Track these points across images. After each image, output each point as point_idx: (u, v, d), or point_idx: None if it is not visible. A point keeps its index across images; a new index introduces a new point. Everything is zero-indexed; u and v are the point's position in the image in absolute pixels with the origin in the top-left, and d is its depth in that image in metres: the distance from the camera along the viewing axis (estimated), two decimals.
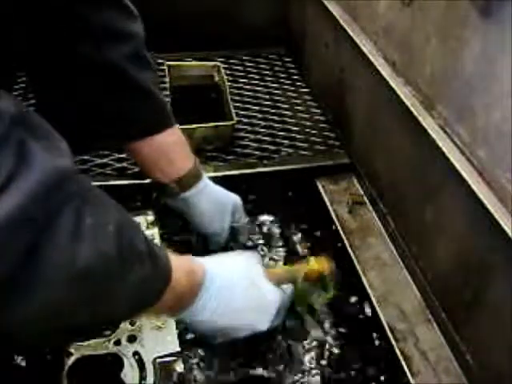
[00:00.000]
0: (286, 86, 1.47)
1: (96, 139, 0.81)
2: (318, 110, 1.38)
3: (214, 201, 0.89)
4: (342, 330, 0.90)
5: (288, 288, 0.78)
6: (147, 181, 0.90)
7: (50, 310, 0.43)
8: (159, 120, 0.82)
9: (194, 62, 1.46)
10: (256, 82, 1.47)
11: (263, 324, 0.71)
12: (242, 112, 1.34)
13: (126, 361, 0.81)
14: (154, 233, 0.97)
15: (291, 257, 1.01)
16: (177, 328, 0.85)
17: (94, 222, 0.42)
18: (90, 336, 0.76)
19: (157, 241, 0.95)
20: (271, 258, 1.01)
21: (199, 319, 0.65)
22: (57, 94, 0.74)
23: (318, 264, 0.81)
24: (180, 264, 0.60)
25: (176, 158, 0.84)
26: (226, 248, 0.95)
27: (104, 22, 0.70)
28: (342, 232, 1.06)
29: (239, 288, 0.68)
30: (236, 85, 1.44)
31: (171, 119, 0.85)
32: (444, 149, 0.81)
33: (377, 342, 0.89)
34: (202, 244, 0.97)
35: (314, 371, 0.84)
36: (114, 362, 0.81)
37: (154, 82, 0.80)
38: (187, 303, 0.63)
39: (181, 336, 0.83)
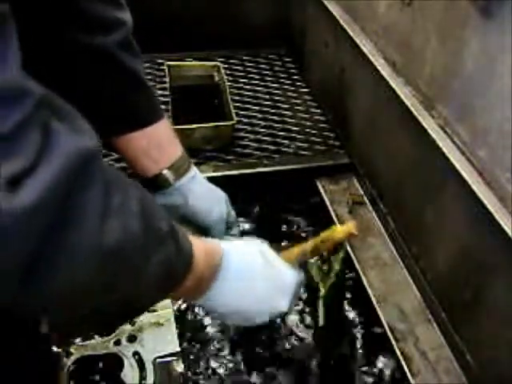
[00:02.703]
0: (285, 86, 1.47)
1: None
2: (318, 110, 1.38)
3: (208, 187, 0.88)
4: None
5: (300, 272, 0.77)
6: None
7: (79, 290, 0.43)
8: (155, 110, 0.82)
9: (194, 62, 1.46)
10: (256, 81, 1.47)
11: (284, 304, 0.70)
12: (242, 112, 1.34)
13: (126, 361, 0.81)
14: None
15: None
16: (177, 328, 0.85)
17: (120, 202, 0.43)
18: (115, 323, 0.75)
19: None
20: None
21: (219, 302, 0.65)
22: (51, 84, 0.74)
23: (344, 227, 0.79)
24: (198, 245, 0.59)
25: (166, 146, 0.82)
26: None
27: (93, 10, 0.70)
28: None
29: (257, 269, 0.68)
30: (236, 85, 1.44)
31: (162, 109, 0.84)
32: (444, 149, 0.81)
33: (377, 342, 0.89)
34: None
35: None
36: (114, 362, 0.81)
37: (144, 72, 0.80)
38: (207, 285, 0.63)
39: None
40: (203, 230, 0.89)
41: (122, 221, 0.42)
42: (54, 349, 0.82)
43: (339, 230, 0.78)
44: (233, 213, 0.92)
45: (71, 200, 0.38)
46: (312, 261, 0.81)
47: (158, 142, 0.80)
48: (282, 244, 0.89)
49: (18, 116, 0.34)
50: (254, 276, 0.67)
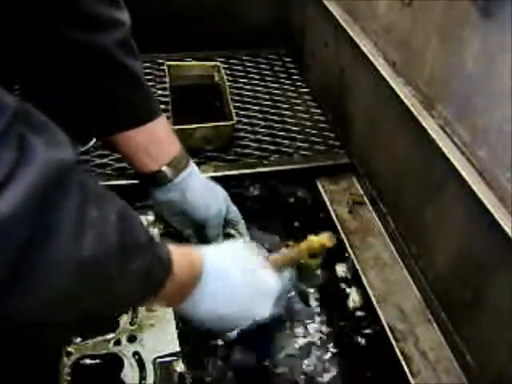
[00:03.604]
0: (286, 86, 1.47)
1: (92, 129, 0.80)
2: (318, 110, 1.38)
3: (206, 183, 0.88)
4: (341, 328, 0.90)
5: (287, 274, 0.77)
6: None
7: (55, 301, 0.43)
8: (152, 107, 0.82)
9: (194, 62, 1.46)
10: (256, 81, 1.47)
11: (264, 310, 0.71)
12: (242, 112, 1.34)
13: (126, 361, 0.81)
14: (153, 233, 0.97)
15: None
16: (177, 328, 0.85)
17: (97, 213, 0.43)
18: (98, 327, 0.77)
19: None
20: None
21: (199, 309, 0.65)
22: (49, 83, 0.74)
23: (319, 239, 0.80)
24: (179, 254, 0.60)
25: (165, 143, 0.83)
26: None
27: (91, 9, 0.70)
28: (342, 232, 1.06)
29: (238, 276, 0.68)
30: (236, 85, 1.44)
31: (159, 106, 0.84)
32: (444, 149, 0.81)
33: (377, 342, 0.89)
34: (200, 236, 0.95)
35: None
36: (114, 362, 0.81)
37: (142, 71, 0.80)
38: (187, 293, 0.63)
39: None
40: (201, 226, 0.90)
41: (97, 233, 0.43)
42: (54, 349, 0.82)
43: (315, 241, 0.79)
44: (234, 209, 0.92)
45: (47, 212, 0.38)
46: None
47: (157, 139, 0.81)
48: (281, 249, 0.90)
49: None
50: (235, 282, 0.68)
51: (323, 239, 0.79)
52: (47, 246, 0.38)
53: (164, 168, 0.81)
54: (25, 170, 0.36)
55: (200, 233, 0.92)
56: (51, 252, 0.39)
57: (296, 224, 1.09)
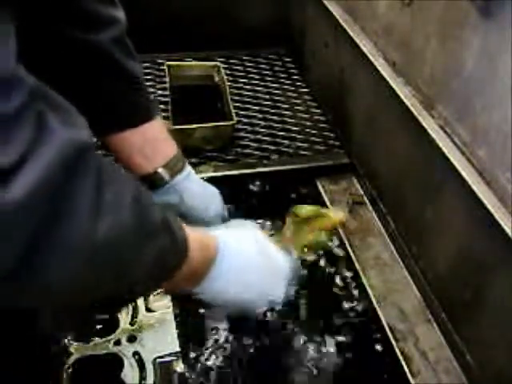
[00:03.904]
0: (286, 86, 1.47)
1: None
2: (318, 110, 1.38)
3: (203, 184, 0.88)
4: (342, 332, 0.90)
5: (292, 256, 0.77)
6: None
7: (73, 283, 0.43)
8: (149, 108, 0.81)
9: (194, 62, 1.46)
10: (256, 81, 1.47)
11: (278, 292, 0.71)
12: (242, 112, 1.34)
13: (126, 361, 0.81)
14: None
15: None
16: (177, 328, 0.85)
17: (113, 195, 0.42)
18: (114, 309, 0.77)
19: None
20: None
21: (214, 291, 0.65)
22: (45, 82, 0.74)
23: (335, 215, 0.79)
24: (194, 236, 0.60)
25: (161, 144, 0.81)
26: None
27: (86, 6, 0.69)
28: (342, 232, 1.07)
29: (253, 258, 0.68)
30: (236, 85, 1.44)
31: (156, 107, 0.84)
32: (444, 149, 0.81)
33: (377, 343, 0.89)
34: None
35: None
36: (114, 362, 0.81)
37: (139, 70, 0.79)
38: (202, 275, 0.63)
39: None
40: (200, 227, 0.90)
41: (113, 214, 0.42)
42: (53, 349, 0.82)
43: (332, 220, 0.78)
44: (225, 207, 0.93)
45: (63, 193, 0.37)
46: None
47: (153, 140, 0.80)
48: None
49: (16, 103, 0.34)
50: (250, 265, 0.68)
51: (339, 215, 0.77)
52: (63, 228, 0.38)
53: (160, 170, 0.80)
54: (43, 149, 0.35)
55: None
56: (67, 234, 0.38)
57: None
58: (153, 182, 0.81)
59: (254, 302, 0.70)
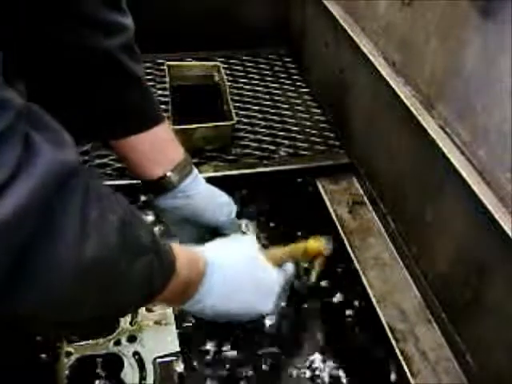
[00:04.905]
0: (286, 86, 1.47)
1: (96, 133, 0.80)
2: (318, 110, 1.38)
3: (210, 188, 0.88)
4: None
5: (289, 267, 0.77)
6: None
7: (58, 304, 0.43)
8: (156, 113, 0.81)
9: (194, 62, 1.46)
10: (256, 82, 1.47)
11: (268, 305, 0.71)
12: (242, 112, 1.34)
13: (126, 361, 0.82)
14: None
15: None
16: (177, 328, 0.85)
17: (99, 217, 0.43)
18: (102, 327, 0.77)
19: None
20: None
21: (203, 306, 0.65)
22: (53, 88, 0.74)
23: (317, 243, 0.80)
24: (182, 254, 0.60)
25: (169, 148, 0.81)
26: None
27: (96, 13, 0.70)
28: (341, 232, 1.07)
29: (241, 272, 0.69)
30: (236, 85, 1.44)
31: (162, 112, 0.84)
32: (444, 149, 0.81)
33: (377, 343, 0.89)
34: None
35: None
36: (114, 362, 0.81)
37: (144, 76, 0.80)
38: (191, 292, 0.64)
39: None
40: (211, 230, 0.88)
41: (99, 234, 0.42)
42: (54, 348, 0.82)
43: (311, 243, 0.79)
44: (234, 209, 0.92)
45: (50, 214, 0.38)
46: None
47: (161, 145, 0.80)
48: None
49: (1, 125, 0.34)
50: (239, 279, 0.68)
51: (316, 243, 0.79)
52: (49, 247, 0.38)
53: (169, 174, 0.80)
54: (30, 170, 0.35)
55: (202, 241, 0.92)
56: (53, 254, 0.39)
57: (296, 224, 1.09)
58: (162, 186, 0.81)
59: (241, 316, 0.71)
